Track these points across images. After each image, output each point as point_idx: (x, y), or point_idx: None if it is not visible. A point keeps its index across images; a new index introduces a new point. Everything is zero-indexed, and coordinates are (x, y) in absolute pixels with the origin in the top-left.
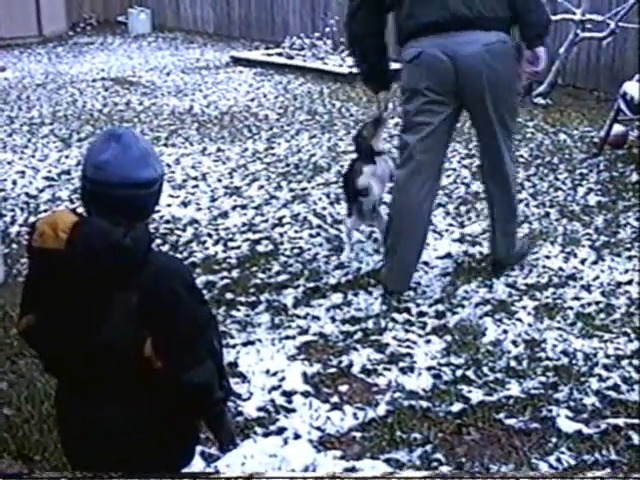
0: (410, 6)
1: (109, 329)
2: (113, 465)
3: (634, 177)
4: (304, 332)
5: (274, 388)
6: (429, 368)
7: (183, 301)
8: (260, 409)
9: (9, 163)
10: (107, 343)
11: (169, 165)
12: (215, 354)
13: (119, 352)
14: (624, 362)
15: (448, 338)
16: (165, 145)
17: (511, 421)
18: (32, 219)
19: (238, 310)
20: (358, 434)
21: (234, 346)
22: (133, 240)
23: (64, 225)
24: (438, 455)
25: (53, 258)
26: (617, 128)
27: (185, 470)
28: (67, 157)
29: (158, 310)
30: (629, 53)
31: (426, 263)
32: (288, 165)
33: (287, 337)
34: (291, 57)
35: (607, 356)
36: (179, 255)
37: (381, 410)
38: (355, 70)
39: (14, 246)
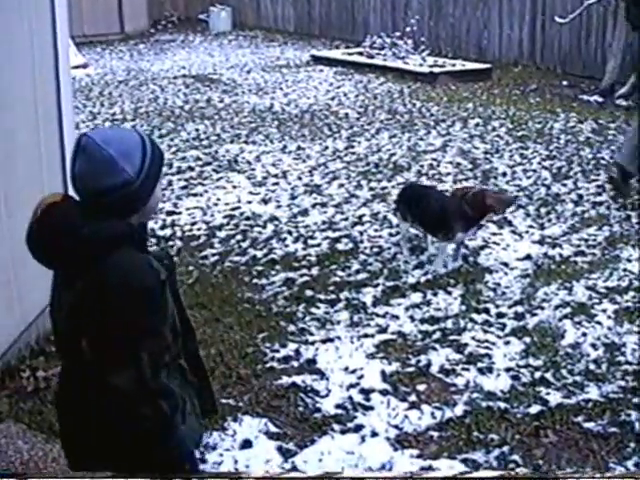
0: None
1: (60, 311)
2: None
3: None
4: (383, 330)
5: (352, 386)
6: (507, 369)
7: (120, 303)
8: (338, 406)
9: None
10: (61, 325)
11: (249, 162)
12: (141, 374)
13: (67, 337)
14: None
15: (527, 340)
16: (246, 142)
17: (589, 424)
18: None
19: (318, 307)
20: (435, 433)
21: (313, 343)
22: (92, 232)
23: (44, 204)
24: (515, 457)
25: (30, 232)
26: None
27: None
28: None
29: (96, 304)
30: None
31: (506, 264)
32: (368, 164)
33: (366, 335)
34: (371, 56)
35: None
36: (259, 252)
37: (459, 410)
38: (436, 70)
39: None
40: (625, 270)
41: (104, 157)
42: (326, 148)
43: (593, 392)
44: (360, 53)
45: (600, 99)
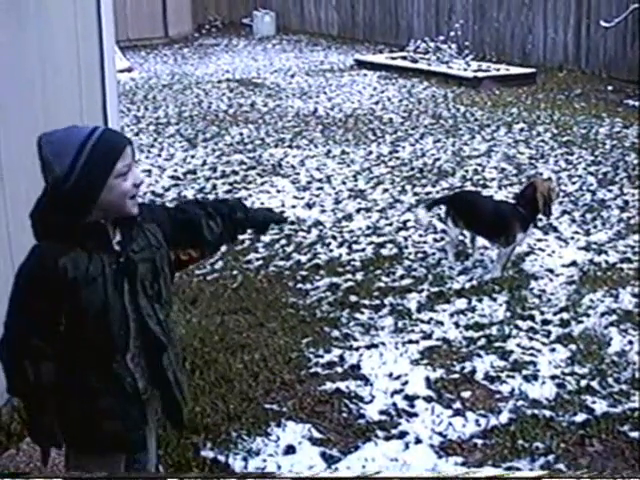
0: None
1: None
2: None
3: None
4: (427, 337)
5: (396, 392)
6: (553, 377)
7: (14, 282)
8: (382, 412)
9: (136, 162)
10: None
11: (293, 167)
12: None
13: None
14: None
15: (573, 347)
16: (290, 147)
17: (635, 434)
18: None
19: (362, 313)
20: (480, 441)
21: (357, 349)
22: (33, 221)
23: None
24: (560, 465)
25: None
26: None
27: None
28: (193, 157)
29: None
30: None
31: (551, 270)
32: (412, 169)
33: (410, 341)
34: (415, 61)
35: None
36: (303, 256)
37: (503, 418)
38: (480, 74)
39: None
40: None
41: (41, 157)
42: (370, 153)
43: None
44: (404, 57)
45: None
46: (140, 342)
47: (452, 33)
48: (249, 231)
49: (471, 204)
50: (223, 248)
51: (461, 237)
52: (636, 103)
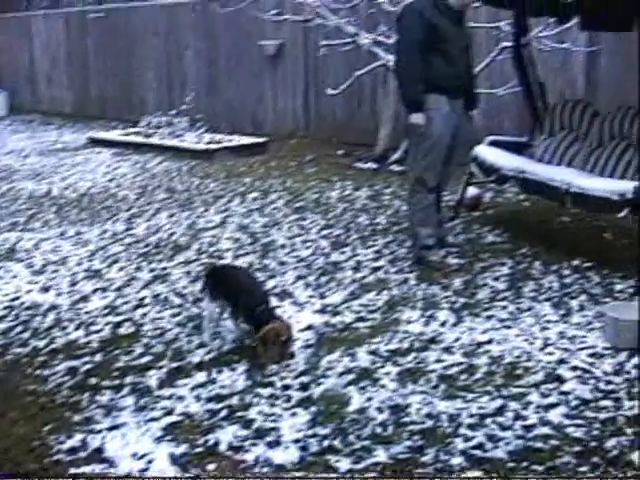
0: None
1: None
2: None
3: (490, 238)
4: (169, 413)
5: (142, 471)
6: (295, 441)
7: None
8: None
9: None
10: None
11: (28, 250)
12: None
13: None
14: (488, 420)
15: (313, 409)
16: (23, 230)
17: None
18: None
19: (102, 395)
20: None
21: (100, 431)
22: None
23: None
24: None
25: None
26: (471, 191)
27: None
28: None
29: None
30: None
31: None
32: (148, 245)
33: (153, 419)
34: (149, 135)
35: (471, 416)
36: (40, 342)
37: None
38: (213, 146)
39: None
40: (406, 332)
41: None
42: (105, 231)
43: (381, 455)
44: (137, 133)
45: (375, 166)
46: None
47: (184, 106)
48: None
49: (227, 278)
50: None
51: (199, 310)
52: (365, 166)
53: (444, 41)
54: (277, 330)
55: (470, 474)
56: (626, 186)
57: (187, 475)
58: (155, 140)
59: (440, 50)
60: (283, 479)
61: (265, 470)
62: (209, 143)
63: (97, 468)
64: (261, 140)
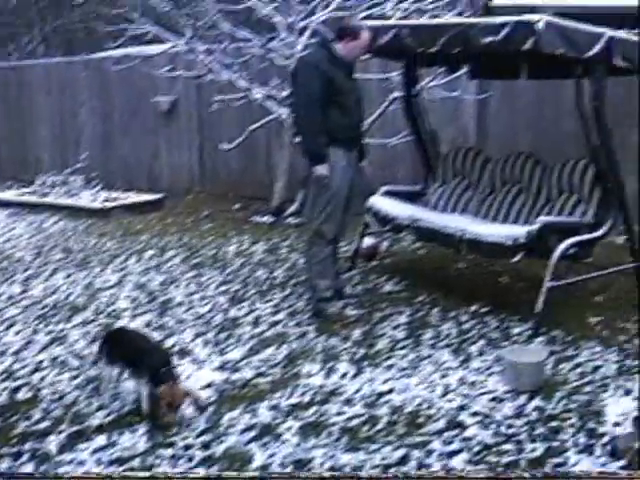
0: None
1: None
2: None
3: (387, 287)
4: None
5: None
6: None
7: None
8: None
9: None
10: None
11: None
12: None
13: None
14: (391, 470)
15: (215, 468)
16: None
17: None
18: None
19: (1, 462)
20: None
21: None
22: None
23: None
24: None
25: None
26: (367, 241)
27: None
28: None
29: None
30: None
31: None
32: (45, 307)
33: None
34: (44, 195)
35: (374, 466)
36: None
37: None
38: (109, 204)
39: None
40: (306, 385)
41: None
42: (1, 294)
43: None
44: (33, 192)
45: (271, 219)
46: None
47: (79, 165)
48: None
49: (124, 341)
50: None
51: (98, 372)
52: (262, 219)
53: (340, 93)
54: (170, 392)
55: (470, 474)
56: (519, 231)
57: (188, 475)
58: (50, 199)
59: (337, 102)
60: (283, 479)
61: None
62: (105, 201)
63: None
64: (157, 197)
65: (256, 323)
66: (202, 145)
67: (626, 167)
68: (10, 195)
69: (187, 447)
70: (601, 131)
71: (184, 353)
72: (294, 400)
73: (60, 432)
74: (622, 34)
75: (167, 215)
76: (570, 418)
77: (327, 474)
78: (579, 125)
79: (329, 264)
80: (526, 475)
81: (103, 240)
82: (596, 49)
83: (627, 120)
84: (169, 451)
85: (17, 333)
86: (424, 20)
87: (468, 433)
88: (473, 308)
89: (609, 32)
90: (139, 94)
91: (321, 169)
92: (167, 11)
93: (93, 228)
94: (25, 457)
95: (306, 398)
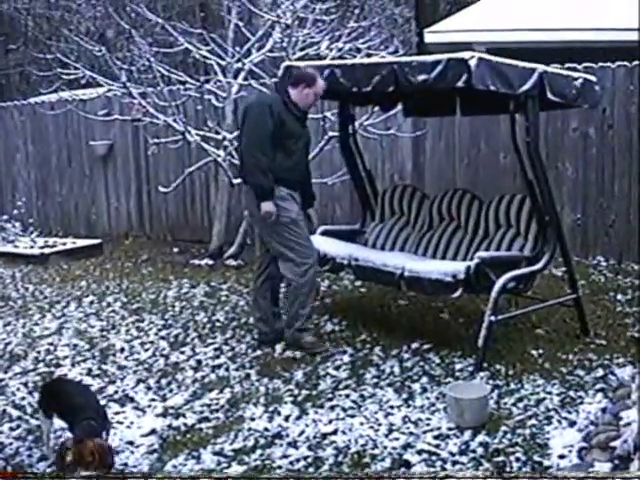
0: None
1: None
2: None
3: (329, 327)
4: None
5: None
6: None
7: None
8: None
9: None
10: None
11: None
12: None
13: None
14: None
15: None
16: None
17: None
18: None
19: None
20: None
21: None
22: None
23: None
24: None
25: None
26: None
27: None
28: None
29: None
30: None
31: (131, 443)
32: None
33: None
34: None
35: None
36: None
37: None
38: (46, 250)
39: None
40: (250, 429)
41: None
42: None
43: None
44: None
45: (210, 262)
46: None
47: (16, 211)
48: None
49: (59, 393)
50: None
51: (38, 422)
52: (201, 262)
53: (289, 137)
54: (76, 449)
55: (470, 474)
56: (458, 267)
57: (188, 475)
58: None
59: (283, 145)
60: (281, 479)
61: None
62: (43, 247)
63: None
64: (96, 242)
65: (198, 367)
66: (140, 189)
67: (561, 199)
68: None
69: None
70: (535, 165)
71: (126, 400)
72: (238, 444)
73: None
74: (554, 69)
75: (106, 260)
76: (515, 452)
77: (330, 474)
78: (515, 160)
79: (308, 292)
80: (528, 476)
81: (42, 287)
82: (528, 84)
83: (560, 154)
84: None
85: None
86: (358, 59)
87: (413, 471)
88: (415, 345)
89: (541, 67)
90: (75, 139)
91: (267, 206)
92: (102, 55)
93: (31, 275)
94: None
95: (250, 442)
